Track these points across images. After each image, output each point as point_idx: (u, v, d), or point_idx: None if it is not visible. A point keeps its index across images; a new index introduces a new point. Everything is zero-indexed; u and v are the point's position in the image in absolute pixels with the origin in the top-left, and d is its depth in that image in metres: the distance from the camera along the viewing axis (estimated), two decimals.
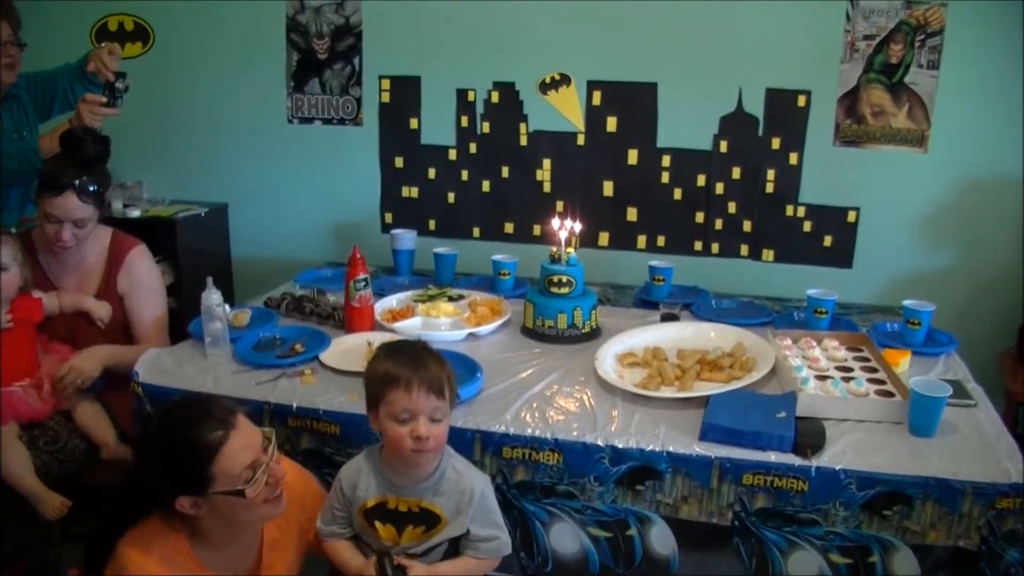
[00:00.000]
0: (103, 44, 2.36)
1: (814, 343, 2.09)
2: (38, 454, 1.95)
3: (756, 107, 2.82)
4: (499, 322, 2.29)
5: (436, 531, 1.51)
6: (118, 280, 2.21)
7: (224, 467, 1.33)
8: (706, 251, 2.99)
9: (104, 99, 2.23)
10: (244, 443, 1.37)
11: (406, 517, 1.51)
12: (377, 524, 1.52)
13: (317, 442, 1.81)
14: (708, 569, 1.71)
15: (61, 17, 3.20)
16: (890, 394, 1.81)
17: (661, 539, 1.70)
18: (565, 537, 1.73)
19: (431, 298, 2.43)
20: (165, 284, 2.96)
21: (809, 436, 1.65)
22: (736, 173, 2.89)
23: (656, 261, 2.62)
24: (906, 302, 2.22)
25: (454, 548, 1.54)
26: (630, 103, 2.91)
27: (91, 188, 2.06)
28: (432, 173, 3.13)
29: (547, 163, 3.03)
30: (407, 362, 1.46)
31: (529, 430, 1.71)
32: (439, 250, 2.71)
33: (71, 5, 3.21)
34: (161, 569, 1.35)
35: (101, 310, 2.16)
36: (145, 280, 2.26)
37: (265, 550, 1.52)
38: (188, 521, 1.39)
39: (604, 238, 3.05)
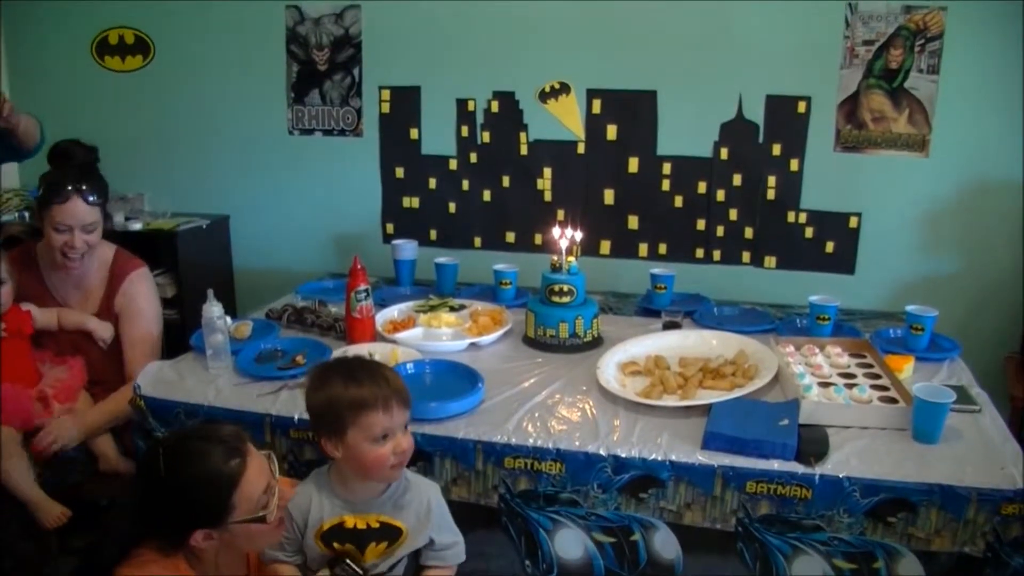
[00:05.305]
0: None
1: (817, 350, 2.08)
2: (37, 463, 1.95)
3: (756, 114, 2.82)
4: (501, 332, 2.28)
5: (398, 544, 1.50)
6: (115, 300, 2.20)
7: (245, 494, 1.29)
8: (708, 258, 2.99)
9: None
10: (259, 467, 1.33)
11: (366, 534, 1.48)
12: (336, 547, 1.49)
13: (319, 454, 1.80)
14: (713, 572, 1.71)
15: (64, 27, 3.22)
16: (894, 400, 1.81)
17: (665, 544, 1.69)
18: (570, 543, 1.72)
19: (432, 308, 2.43)
20: (169, 294, 3.00)
21: (812, 443, 1.64)
22: (737, 180, 2.89)
23: (657, 269, 2.61)
24: (909, 307, 2.21)
25: (414, 561, 1.53)
26: (630, 111, 2.92)
27: (94, 192, 2.07)
28: (433, 183, 3.13)
29: (547, 172, 3.03)
30: (371, 382, 1.43)
31: (531, 440, 1.71)
32: (440, 260, 2.71)
33: (72, 15, 3.22)
34: None
35: (104, 331, 2.15)
36: (141, 305, 2.22)
37: (253, 562, 1.51)
38: (187, 548, 1.33)
39: (605, 246, 3.05)
